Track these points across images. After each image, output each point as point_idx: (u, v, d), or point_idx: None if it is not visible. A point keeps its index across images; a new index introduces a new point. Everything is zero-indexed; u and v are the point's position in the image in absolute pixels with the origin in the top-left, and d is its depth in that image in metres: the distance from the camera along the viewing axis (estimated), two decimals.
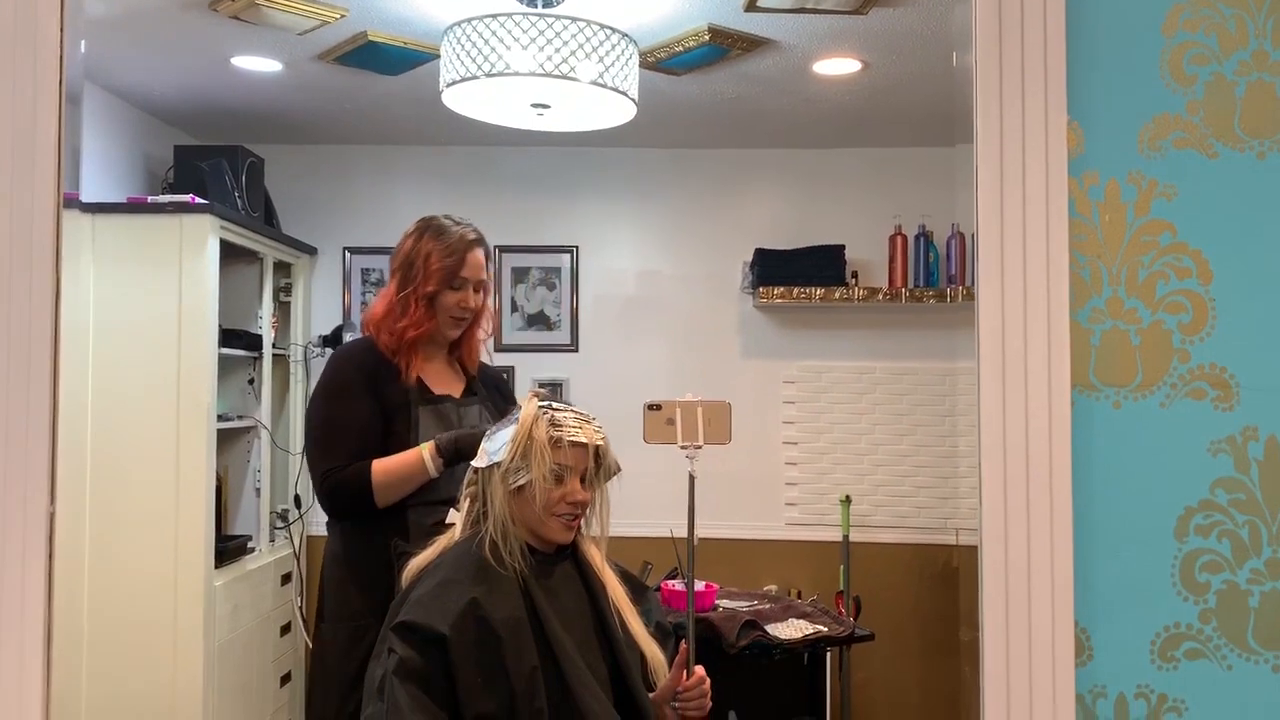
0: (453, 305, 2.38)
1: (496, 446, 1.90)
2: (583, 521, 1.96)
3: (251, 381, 3.95)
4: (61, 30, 1.27)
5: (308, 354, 4.23)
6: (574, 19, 2.64)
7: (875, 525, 4.23)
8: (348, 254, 4.35)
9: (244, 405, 3.94)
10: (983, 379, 1.30)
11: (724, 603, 3.25)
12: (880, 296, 4.12)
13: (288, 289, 4.22)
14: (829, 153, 4.30)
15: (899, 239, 4.18)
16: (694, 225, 4.35)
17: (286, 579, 4.04)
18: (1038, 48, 1.29)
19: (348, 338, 3.95)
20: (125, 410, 3.34)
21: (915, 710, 4.20)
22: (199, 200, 3.43)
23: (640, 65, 2.98)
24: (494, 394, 2.53)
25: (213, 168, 3.66)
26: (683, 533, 2.04)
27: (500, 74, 2.67)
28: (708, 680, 1.98)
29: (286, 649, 4.04)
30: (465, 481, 1.98)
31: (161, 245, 3.39)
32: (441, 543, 1.95)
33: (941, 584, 4.17)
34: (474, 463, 1.94)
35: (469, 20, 2.68)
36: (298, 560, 4.07)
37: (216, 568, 3.47)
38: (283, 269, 4.16)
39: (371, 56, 3.17)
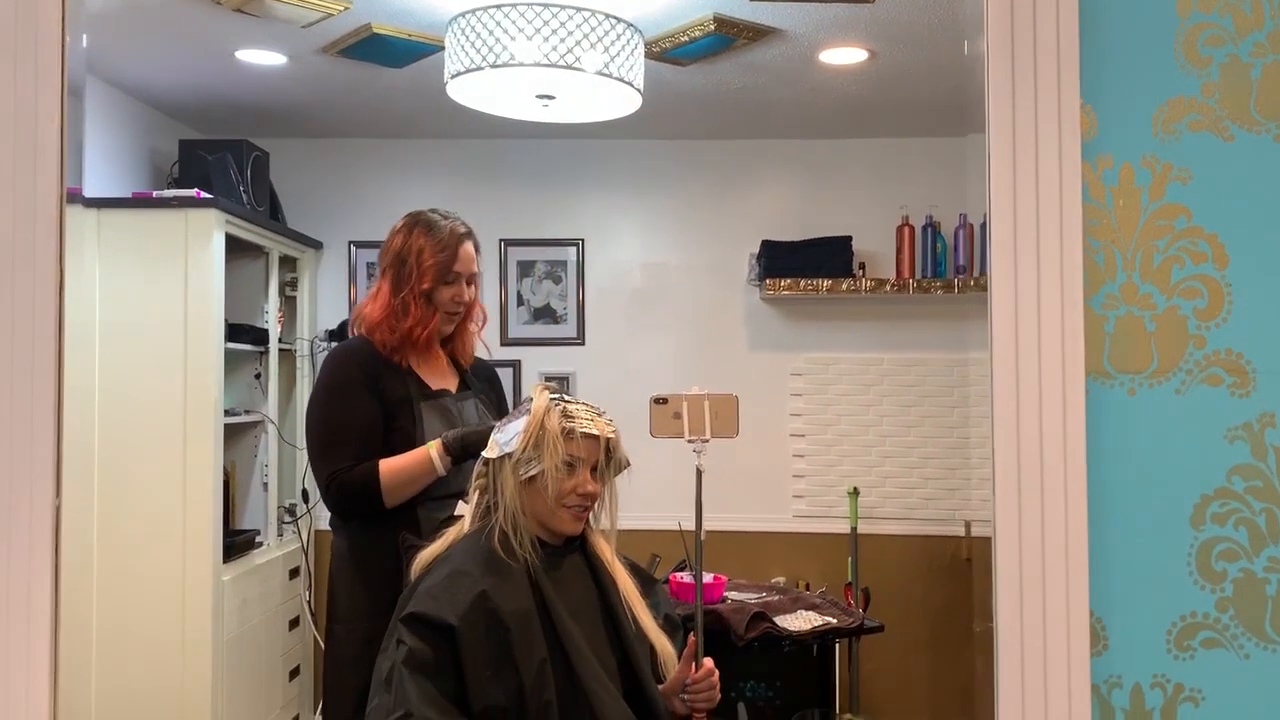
0: (447, 300, 2.37)
1: (508, 437, 1.89)
2: (591, 515, 1.96)
3: (258, 376, 3.95)
4: (63, 24, 1.26)
5: (314, 348, 4.22)
6: (579, 9, 2.63)
7: (883, 517, 4.22)
8: (353, 248, 4.35)
9: (251, 400, 3.93)
10: (996, 367, 1.28)
11: (732, 595, 3.24)
12: (888, 288, 4.10)
13: (293, 283, 4.22)
14: (835, 143, 4.28)
15: (906, 230, 4.16)
16: (700, 217, 4.34)
17: (295, 573, 4.04)
18: (1050, 31, 1.27)
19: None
20: (132, 406, 3.34)
21: (924, 701, 4.19)
22: (204, 195, 3.43)
23: (645, 55, 2.96)
24: (488, 388, 2.52)
25: (217, 162, 3.65)
26: (691, 525, 2.03)
27: (505, 65, 2.66)
28: (716, 672, 1.98)
29: (295, 643, 4.04)
30: (475, 474, 1.97)
31: (167, 240, 3.38)
32: (450, 535, 1.94)
33: (950, 575, 4.16)
34: (484, 453, 1.94)
35: (473, 11, 2.67)
36: (306, 554, 4.07)
37: (225, 562, 3.47)
38: (288, 263, 4.16)
39: (376, 49, 3.16)
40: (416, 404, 2.31)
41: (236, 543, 3.64)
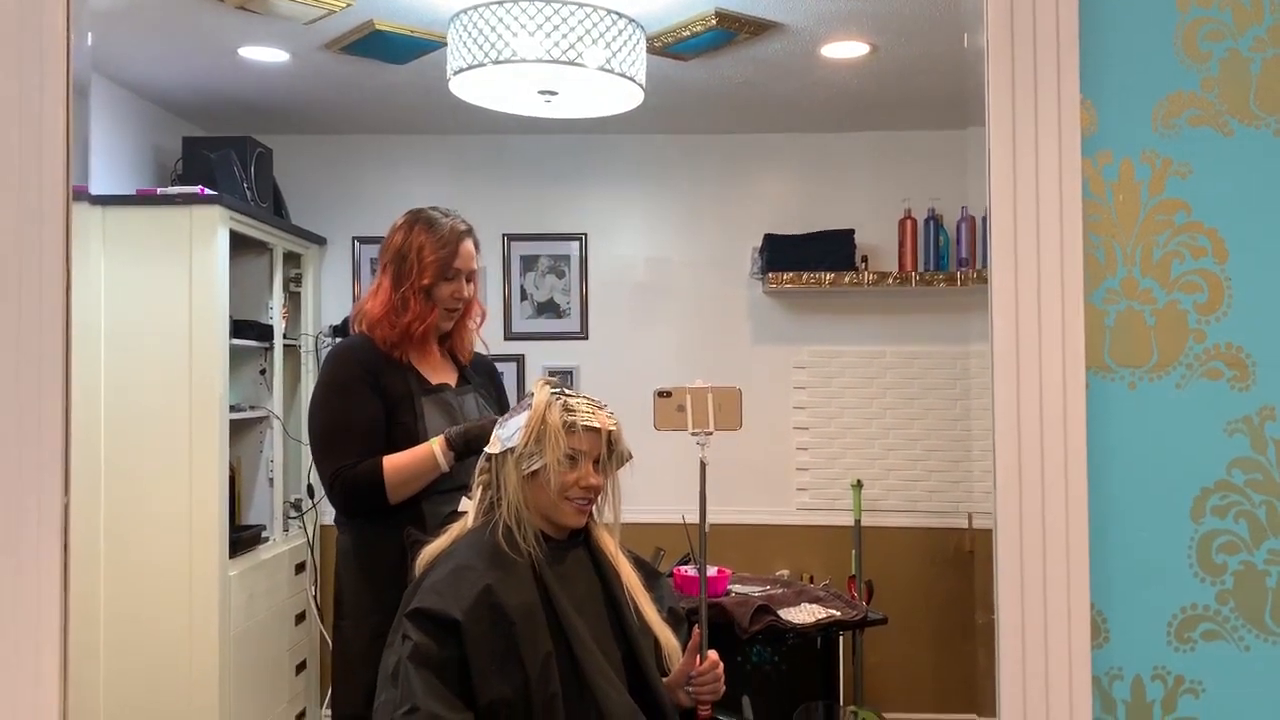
0: (446, 297, 2.39)
1: (510, 432, 1.90)
2: (595, 508, 1.96)
3: (263, 372, 3.96)
4: (68, 23, 1.27)
5: (319, 344, 4.23)
6: (581, 4, 2.63)
7: (887, 509, 4.23)
8: (357, 243, 4.35)
9: (256, 396, 3.95)
10: (997, 361, 1.29)
11: (736, 588, 3.25)
12: (890, 281, 4.10)
13: (298, 279, 4.23)
14: (837, 137, 4.28)
15: (909, 223, 4.16)
16: (703, 211, 4.34)
17: (300, 568, 4.06)
18: (1050, 26, 1.27)
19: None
20: (138, 402, 3.35)
21: (928, 693, 4.20)
22: (208, 191, 3.44)
23: (647, 50, 2.96)
24: (487, 381, 2.54)
25: (221, 159, 3.66)
26: (694, 518, 2.04)
27: (507, 61, 2.66)
28: (721, 665, 1.99)
29: (301, 638, 4.06)
30: (478, 469, 1.98)
31: (171, 237, 3.39)
32: (454, 530, 1.95)
33: (953, 567, 4.17)
34: (487, 449, 1.95)
35: (475, 7, 2.68)
36: (311, 549, 4.08)
37: (231, 557, 3.49)
38: (292, 259, 4.17)
39: (378, 45, 3.16)
40: (417, 399, 2.33)
41: (242, 538, 3.66)
